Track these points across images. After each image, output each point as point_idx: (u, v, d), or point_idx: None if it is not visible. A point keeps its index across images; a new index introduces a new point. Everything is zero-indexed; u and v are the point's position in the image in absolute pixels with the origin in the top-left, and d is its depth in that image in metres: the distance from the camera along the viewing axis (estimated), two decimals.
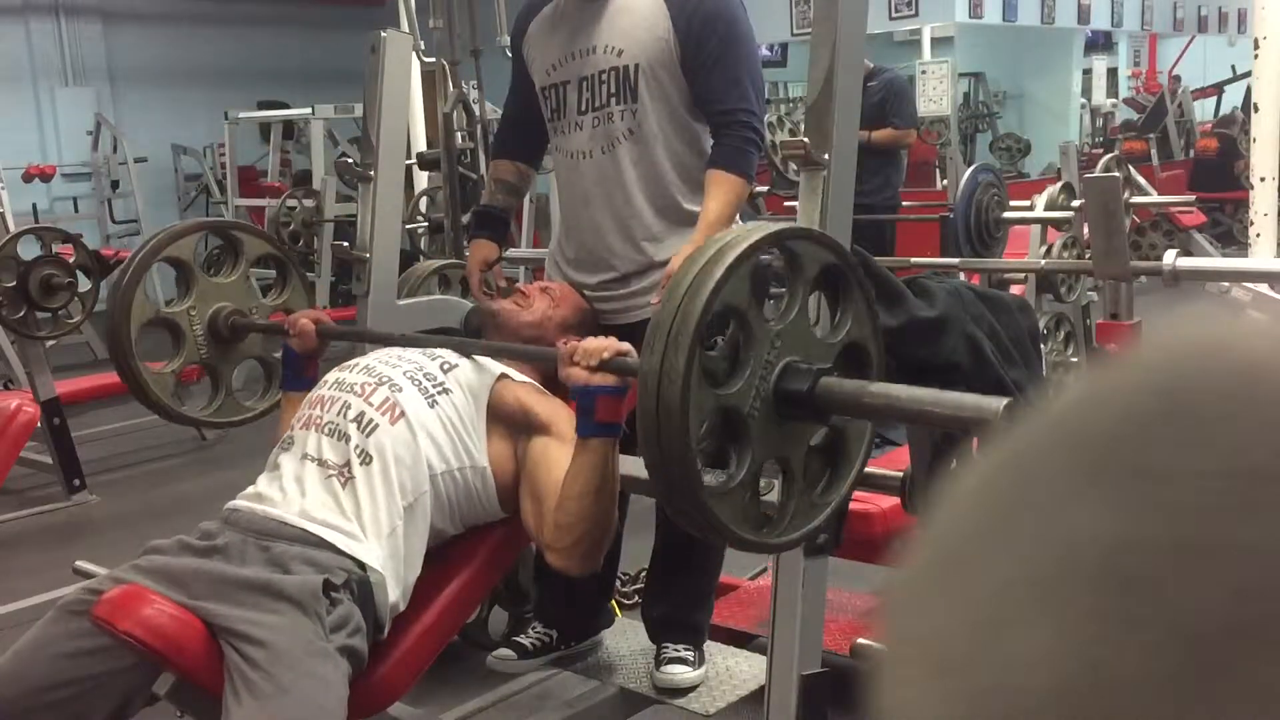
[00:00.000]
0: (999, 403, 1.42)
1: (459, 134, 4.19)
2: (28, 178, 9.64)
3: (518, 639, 2.55)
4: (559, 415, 2.04)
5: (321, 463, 1.95)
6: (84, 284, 4.62)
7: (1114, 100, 13.64)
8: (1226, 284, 3.81)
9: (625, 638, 2.63)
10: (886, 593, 0.35)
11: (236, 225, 2.86)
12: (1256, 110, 4.81)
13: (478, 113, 4.24)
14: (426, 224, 5.99)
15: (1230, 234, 9.50)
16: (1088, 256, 3.84)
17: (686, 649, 2.45)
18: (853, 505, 2.04)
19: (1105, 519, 0.30)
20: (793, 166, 5.40)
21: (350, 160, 8.63)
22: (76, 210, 10.57)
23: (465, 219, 3.52)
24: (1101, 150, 9.19)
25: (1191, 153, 11.21)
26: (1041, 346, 2.45)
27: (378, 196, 2.54)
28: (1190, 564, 0.28)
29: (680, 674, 2.42)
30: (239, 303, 2.55)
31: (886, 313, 1.88)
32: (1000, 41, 12.20)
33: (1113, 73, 14.12)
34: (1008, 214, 4.45)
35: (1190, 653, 0.28)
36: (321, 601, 1.78)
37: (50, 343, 4.80)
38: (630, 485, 2.26)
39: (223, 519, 1.95)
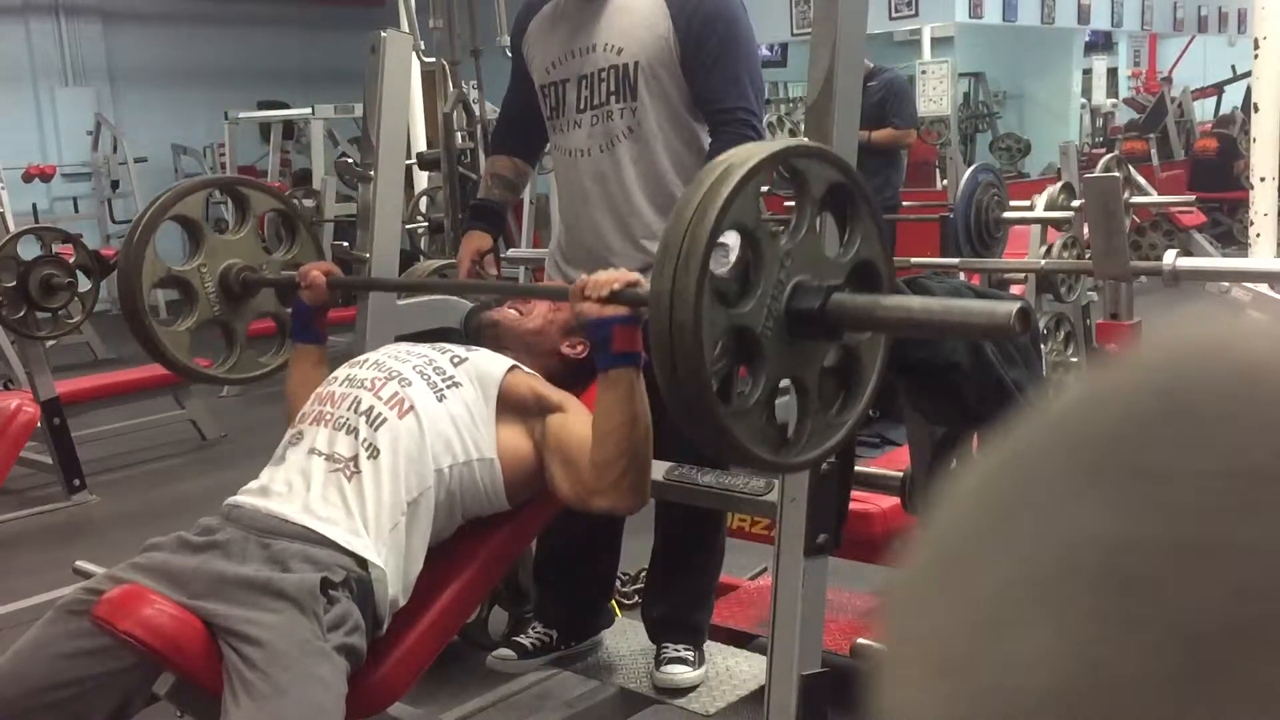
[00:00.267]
0: (1011, 306, 1.43)
1: (459, 134, 4.19)
2: (28, 178, 9.65)
3: (518, 639, 2.55)
4: (571, 398, 2.10)
5: (329, 457, 1.96)
6: (84, 284, 4.62)
7: (1114, 100, 13.64)
8: (1226, 284, 3.80)
9: (625, 638, 2.63)
10: (886, 593, 0.35)
11: (242, 181, 2.86)
12: (1256, 110, 4.81)
13: (478, 113, 4.24)
14: (426, 224, 6.00)
15: (1230, 234, 9.51)
16: (1088, 256, 3.84)
17: (686, 649, 2.45)
18: (853, 505, 2.04)
19: (1105, 519, 0.30)
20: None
21: (350, 160, 8.66)
22: (76, 210, 10.57)
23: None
24: (1102, 150, 9.19)
25: (1189, 153, 11.21)
26: (1041, 346, 2.45)
27: (378, 196, 2.54)
28: (1190, 564, 0.28)
29: (680, 674, 2.42)
30: (249, 259, 2.55)
31: None
32: (1000, 41, 12.20)
33: (1113, 73, 14.12)
34: (1008, 214, 4.45)
35: (1190, 653, 0.28)
36: (319, 600, 1.77)
37: (50, 343, 4.80)
38: None
39: (224, 515, 1.95)
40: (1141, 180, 5.38)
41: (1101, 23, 12.63)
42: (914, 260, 4.14)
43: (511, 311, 2.31)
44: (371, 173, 2.53)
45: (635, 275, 1.89)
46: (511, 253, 5.06)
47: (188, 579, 1.82)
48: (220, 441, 5.69)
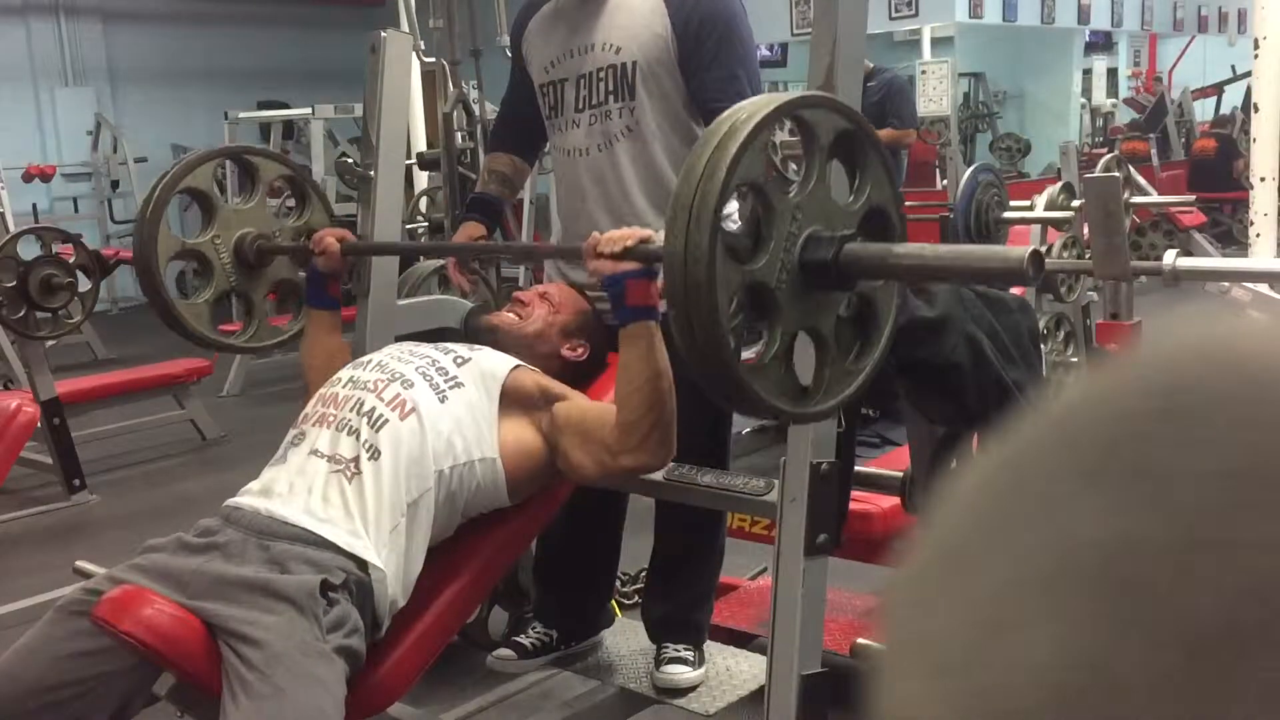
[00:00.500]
0: (1023, 251, 1.43)
1: (459, 134, 4.19)
2: (28, 178, 9.65)
3: (518, 639, 2.55)
4: (576, 392, 2.13)
5: (330, 458, 1.96)
6: (84, 284, 4.62)
7: (1114, 100, 13.64)
8: (1226, 284, 3.80)
9: (625, 638, 2.63)
10: (886, 593, 0.35)
11: (249, 149, 2.86)
12: (1256, 110, 4.80)
13: (478, 113, 4.24)
14: (426, 224, 6.00)
15: (1230, 234, 9.51)
16: (1088, 256, 3.84)
17: (686, 649, 2.45)
18: (853, 505, 2.04)
19: (1105, 519, 0.30)
20: (793, 166, 5.39)
21: (350, 160, 8.65)
22: (76, 210, 10.58)
23: None
24: (1102, 150, 9.19)
25: (1189, 153, 11.21)
26: (1041, 346, 2.45)
27: (378, 196, 2.54)
28: (1190, 564, 0.28)
29: (680, 674, 2.42)
30: (261, 227, 2.56)
31: None
32: (1000, 41, 12.20)
33: (1113, 73, 14.11)
34: (1008, 214, 4.45)
35: (1190, 653, 0.28)
36: (319, 602, 1.77)
37: (50, 343, 4.80)
38: (630, 485, 2.27)
39: (223, 516, 1.94)
40: (1141, 180, 5.38)
41: (1101, 23, 12.63)
42: None
43: (510, 316, 2.31)
44: (371, 173, 2.53)
45: (648, 231, 1.90)
46: None
47: (187, 579, 1.82)
48: (220, 441, 5.69)
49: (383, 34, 2.53)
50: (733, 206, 1.56)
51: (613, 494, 2.47)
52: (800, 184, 1.55)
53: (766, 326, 1.55)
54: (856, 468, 2.23)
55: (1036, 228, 4.33)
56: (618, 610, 2.76)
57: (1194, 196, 6.57)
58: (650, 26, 2.33)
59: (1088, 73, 13.32)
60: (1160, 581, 0.29)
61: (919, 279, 1.71)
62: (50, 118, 10.86)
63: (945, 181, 8.59)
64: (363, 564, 1.87)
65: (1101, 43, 13.89)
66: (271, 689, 1.68)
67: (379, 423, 1.97)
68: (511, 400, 2.07)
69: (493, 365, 2.11)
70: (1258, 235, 4.78)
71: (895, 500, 2.47)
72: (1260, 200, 4.76)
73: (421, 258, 3.67)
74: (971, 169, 4.71)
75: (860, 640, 2.43)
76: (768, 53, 10.57)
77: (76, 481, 4.69)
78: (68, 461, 4.67)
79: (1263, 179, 4.73)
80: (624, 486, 2.32)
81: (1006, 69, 12.84)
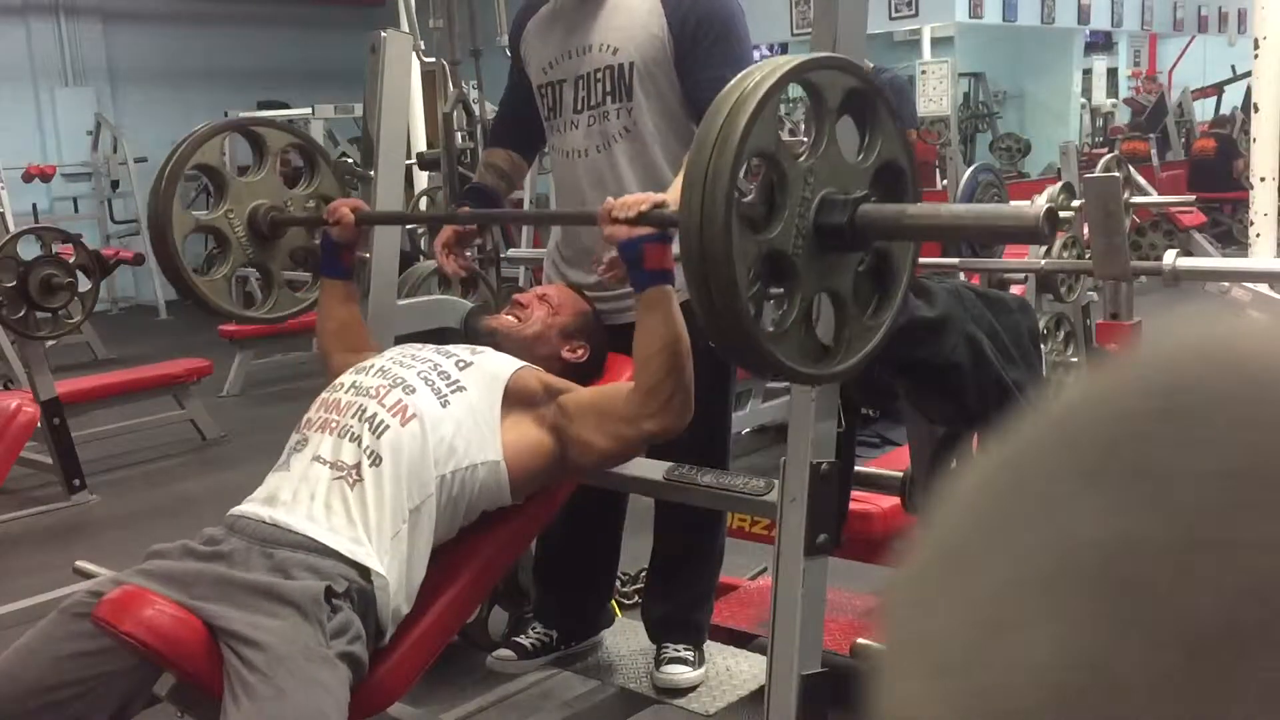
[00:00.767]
0: (1039, 209, 1.43)
1: (459, 134, 4.19)
2: (28, 178, 9.65)
3: (518, 639, 2.55)
4: (578, 385, 2.14)
5: (333, 465, 1.95)
6: (84, 284, 4.62)
7: (1114, 100, 13.64)
8: (1226, 284, 3.80)
9: (625, 638, 2.62)
10: (886, 593, 0.35)
11: (256, 120, 2.85)
12: (1256, 110, 4.80)
13: (478, 113, 4.24)
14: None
15: (1230, 234, 9.51)
16: (1088, 256, 3.84)
17: (686, 649, 2.45)
18: (853, 505, 2.04)
19: (1105, 519, 0.30)
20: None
21: (350, 160, 8.66)
22: (76, 210, 10.57)
23: None
24: (1102, 150, 9.20)
25: (1189, 153, 11.21)
26: (1041, 346, 2.45)
27: (378, 196, 2.54)
28: (1190, 564, 0.28)
29: (680, 674, 2.42)
30: (273, 198, 2.56)
31: None
32: (1000, 41, 12.20)
33: (1113, 73, 14.12)
34: None
35: (1190, 653, 0.28)
36: (323, 608, 1.78)
37: (50, 343, 4.80)
38: (630, 485, 2.27)
39: (227, 525, 1.94)
40: (1141, 180, 5.38)
41: (1101, 23, 12.63)
42: None
43: (509, 319, 2.31)
44: (371, 173, 2.53)
45: (662, 195, 1.92)
46: (511, 253, 5.06)
47: (191, 580, 1.82)
48: (220, 441, 5.70)
49: (383, 34, 2.53)
50: None
51: (613, 494, 2.47)
52: (811, 147, 1.55)
53: (786, 293, 1.55)
54: (856, 468, 2.23)
55: None
56: (618, 610, 2.76)
57: (1194, 196, 6.57)
58: (647, 27, 2.33)
59: (1088, 73, 13.33)
60: (1160, 581, 0.29)
61: (933, 238, 1.72)
62: (50, 118, 10.86)
63: (945, 182, 8.60)
64: (365, 571, 1.87)
65: (1101, 43, 13.89)
66: (273, 690, 1.67)
67: (380, 429, 1.97)
68: (515, 400, 2.07)
69: (496, 367, 2.11)
70: (1258, 235, 4.78)
71: (895, 500, 2.47)
72: (1260, 200, 4.76)
73: (421, 257, 3.67)
74: (971, 169, 4.71)
75: (860, 640, 2.43)
76: (767, 53, 10.56)
77: (76, 481, 4.69)
78: (68, 461, 4.67)
79: (1263, 179, 4.73)
80: (624, 487, 2.32)
81: (1006, 69, 12.84)
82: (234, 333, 6.83)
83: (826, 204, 1.53)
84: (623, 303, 2.40)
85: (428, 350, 2.17)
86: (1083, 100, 12.89)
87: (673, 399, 1.97)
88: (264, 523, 1.91)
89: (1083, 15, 11.98)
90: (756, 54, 2.49)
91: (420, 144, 6.66)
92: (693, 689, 2.41)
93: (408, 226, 5.88)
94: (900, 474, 2.39)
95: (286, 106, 10.27)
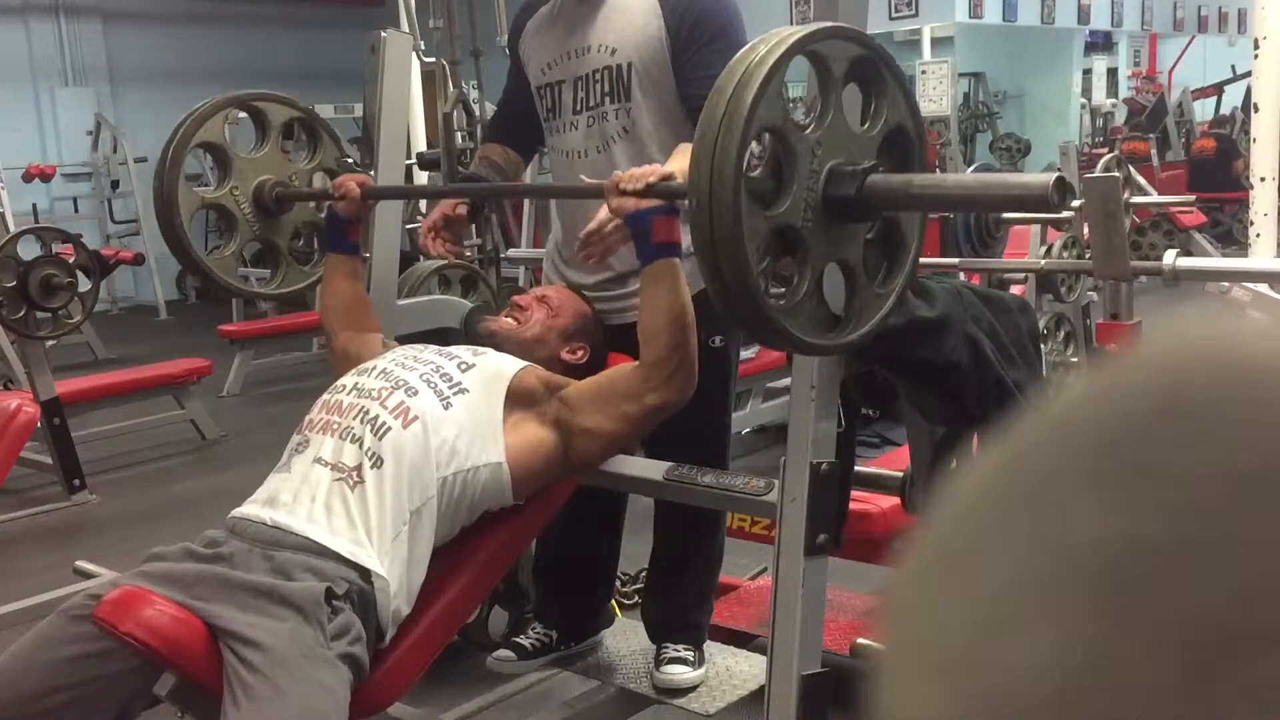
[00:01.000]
0: (1048, 178, 1.42)
1: (459, 134, 4.19)
2: (28, 178, 9.64)
3: (518, 639, 2.55)
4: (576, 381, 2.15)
5: (334, 466, 1.95)
6: (84, 284, 4.62)
7: (1114, 100, 13.64)
8: (1226, 284, 3.80)
9: (625, 638, 2.62)
10: (886, 593, 0.35)
11: (257, 95, 2.84)
12: (1256, 110, 4.80)
13: (478, 113, 4.24)
14: None
15: (1230, 234, 9.51)
16: (1088, 256, 3.84)
17: (686, 649, 2.45)
18: (853, 505, 2.04)
19: (1105, 519, 0.30)
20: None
21: (350, 160, 8.62)
22: (76, 210, 10.57)
23: None
24: (1102, 150, 9.19)
25: (1189, 154, 11.21)
26: (1041, 346, 2.45)
27: None
28: (1190, 564, 0.28)
29: (680, 674, 2.41)
30: (277, 173, 2.56)
31: None
32: (1000, 41, 12.21)
33: (1113, 73, 14.13)
34: (1008, 214, 4.44)
35: (1190, 653, 0.28)
36: (323, 609, 1.77)
37: (50, 343, 4.80)
38: (630, 485, 2.27)
39: (228, 528, 1.94)
40: (1141, 180, 5.38)
41: (1101, 23, 12.64)
42: None
43: (508, 321, 2.30)
44: (371, 173, 2.53)
45: (669, 168, 1.93)
46: (511, 252, 5.07)
47: (191, 581, 1.82)
48: (220, 441, 5.70)
49: (383, 34, 2.53)
50: None
51: (613, 494, 2.47)
52: (817, 119, 1.54)
53: (795, 266, 1.55)
54: (856, 468, 2.23)
55: (1036, 228, 4.33)
56: (618, 610, 2.76)
57: (1194, 196, 6.57)
58: (645, 27, 2.33)
59: (1088, 73, 13.34)
60: (1160, 581, 0.29)
61: (941, 208, 1.72)
62: (50, 118, 10.86)
63: None
64: (365, 573, 1.87)
65: (1101, 43, 13.90)
66: (273, 691, 1.67)
67: (382, 431, 1.97)
68: (517, 401, 2.07)
69: (499, 369, 2.11)
70: (1258, 235, 4.79)
71: (895, 500, 2.47)
72: (1260, 200, 4.76)
73: (421, 257, 3.67)
74: (972, 169, 4.71)
75: (860, 640, 2.43)
76: None
77: (76, 481, 4.69)
78: (68, 461, 4.67)
79: (1263, 179, 4.73)
80: (624, 487, 2.32)
81: (1006, 69, 12.85)
82: (234, 333, 6.83)
83: (834, 175, 1.53)
84: (623, 303, 2.40)
85: (430, 352, 2.17)
86: (1083, 100, 12.90)
87: (678, 372, 2.00)
88: (265, 525, 1.91)
89: (1083, 15, 11.99)
90: None
91: (420, 144, 6.67)
92: (693, 689, 2.41)
93: (407, 227, 5.89)
94: (900, 474, 2.39)
95: None
